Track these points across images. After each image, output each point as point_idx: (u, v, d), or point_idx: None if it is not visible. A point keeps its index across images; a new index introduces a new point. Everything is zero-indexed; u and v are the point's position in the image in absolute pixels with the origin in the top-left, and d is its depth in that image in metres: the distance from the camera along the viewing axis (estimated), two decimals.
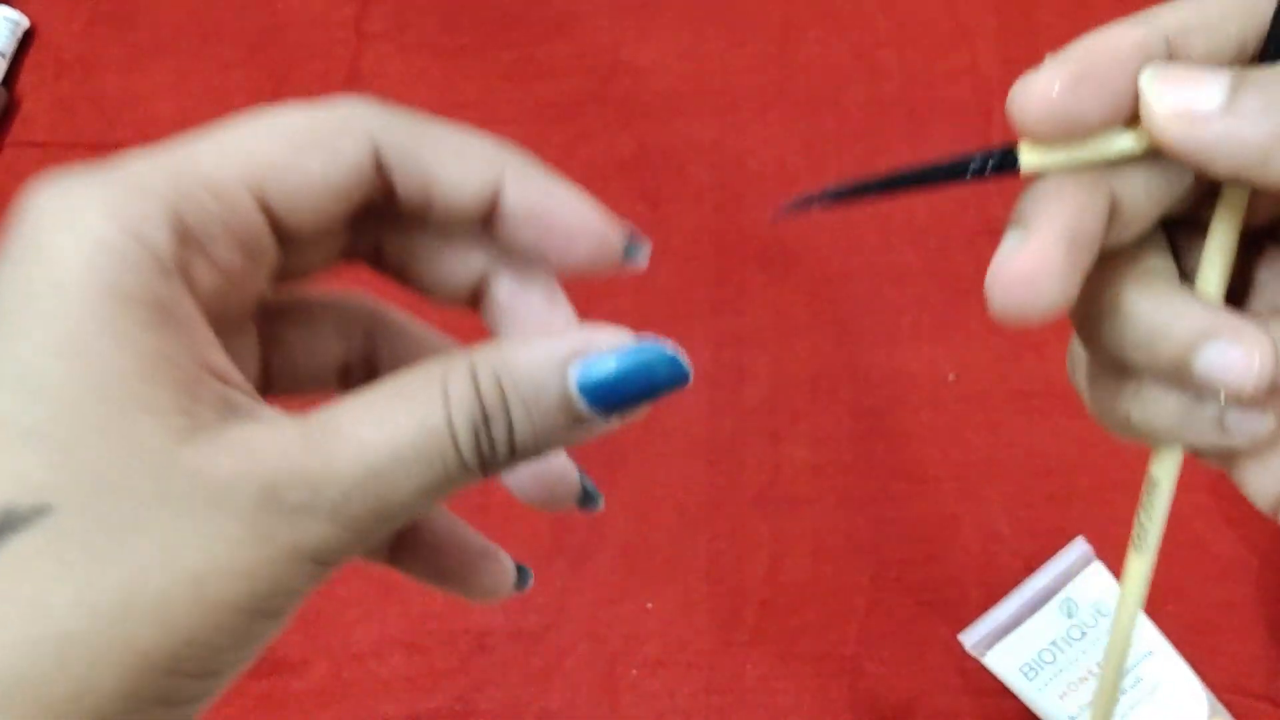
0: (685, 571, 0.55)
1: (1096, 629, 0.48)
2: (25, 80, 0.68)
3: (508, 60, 0.66)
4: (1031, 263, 0.21)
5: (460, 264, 0.25)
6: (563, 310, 0.25)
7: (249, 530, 0.19)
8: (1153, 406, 0.24)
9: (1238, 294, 0.25)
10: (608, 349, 0.21)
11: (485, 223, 0.23)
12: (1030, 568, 0.50)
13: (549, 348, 0.21)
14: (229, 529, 0.19)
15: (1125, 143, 0.22)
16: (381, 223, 0.24)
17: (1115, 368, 0.24)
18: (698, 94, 0.65)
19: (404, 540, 0.26)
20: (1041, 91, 0.21)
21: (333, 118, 0.22)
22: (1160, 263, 0.24)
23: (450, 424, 0.20)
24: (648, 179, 0.63)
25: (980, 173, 0.23)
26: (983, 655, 0.48)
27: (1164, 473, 0.26)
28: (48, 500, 0.18)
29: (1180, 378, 0.23)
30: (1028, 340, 0.57)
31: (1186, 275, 0.25)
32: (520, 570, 0.27)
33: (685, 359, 0.22)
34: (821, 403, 0.57)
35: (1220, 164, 0.21)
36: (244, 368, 0.22)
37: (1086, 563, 0.49)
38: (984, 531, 0.54)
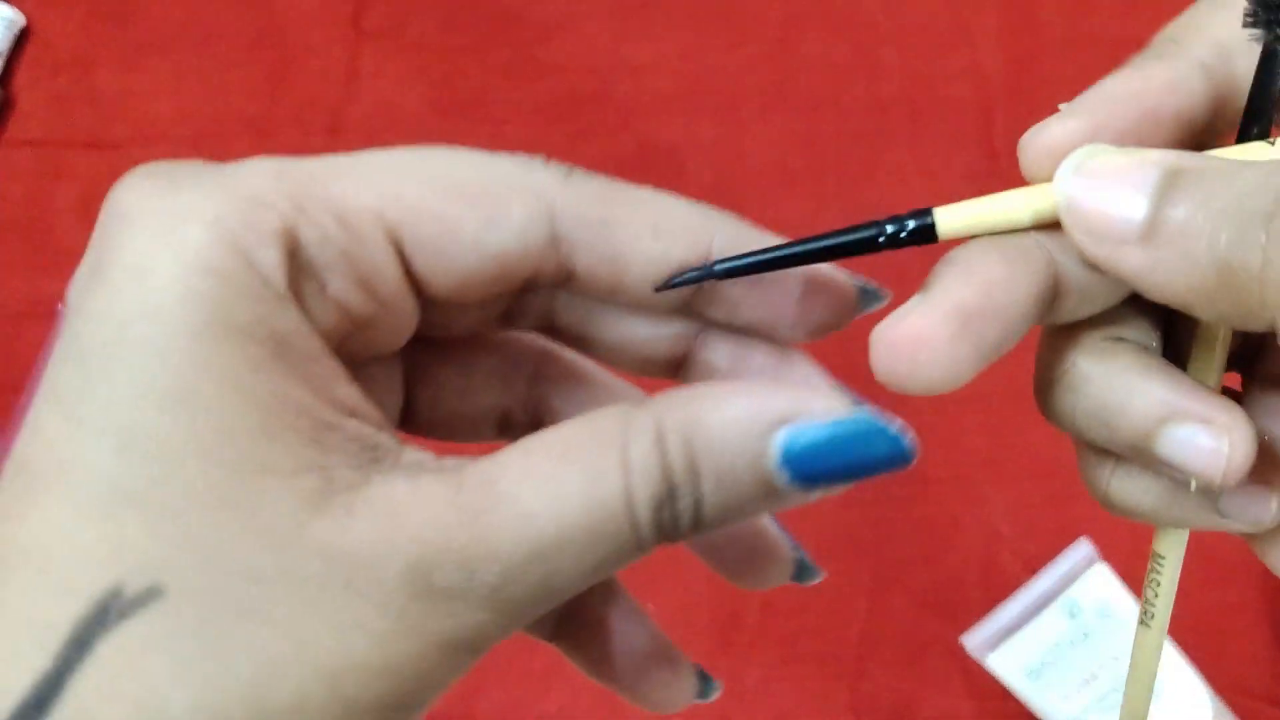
0: (686, 572, 0.54)
1: (1100, 631, 0.48)
2: (21, 78, 0.68)
3: (507, 59, 0.66)
4: (911, 333, 0.18)
5: (659, 333, 0.21)
6: (801, 368, 0.21)
7: (394, 621, 0.16)
8: (1131, 486, 0.21)
9: (1245, 360, 0.22)
10: (821, 416, 0.18)
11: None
12: (1033, 569, 0.49)
13: (751, 408, 0.17)
14: (370, 619, 0.16)
15: (1031, 210, 0.19)
16: (555, 294, 0.21)
17: (1087, 443, 0.21)
18: (698, 93, 0.64)
19: (568, 621, 0.23)
20: (1047, 152, 0.19)
21: (506, 173, 0.19)
22: (1134, 331, 0.21)
23: (629, 499, 0.17)
24: (647, 179, 0.62)
25: (895, 241, 0.19)
26: (985, 657, 0.48)
27: (1168, 548, 0.23)
28: (159, 580, 0.15)
29: (1146, 461, 0.20)
30: (1030, 341, 0.56)
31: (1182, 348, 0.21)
32: (703, 679, 0.24)
33: (910, 438, 0.19)
34: None
35: (1154, 295, 0.18)
36: (382, 405, 0.19)
37: (1090, 564, 0.49)
38: (986, 533, 0.54)
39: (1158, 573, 0.24)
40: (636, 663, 0.23)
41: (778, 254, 0.20)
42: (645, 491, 0.17)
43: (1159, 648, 0.24)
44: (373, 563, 0.16)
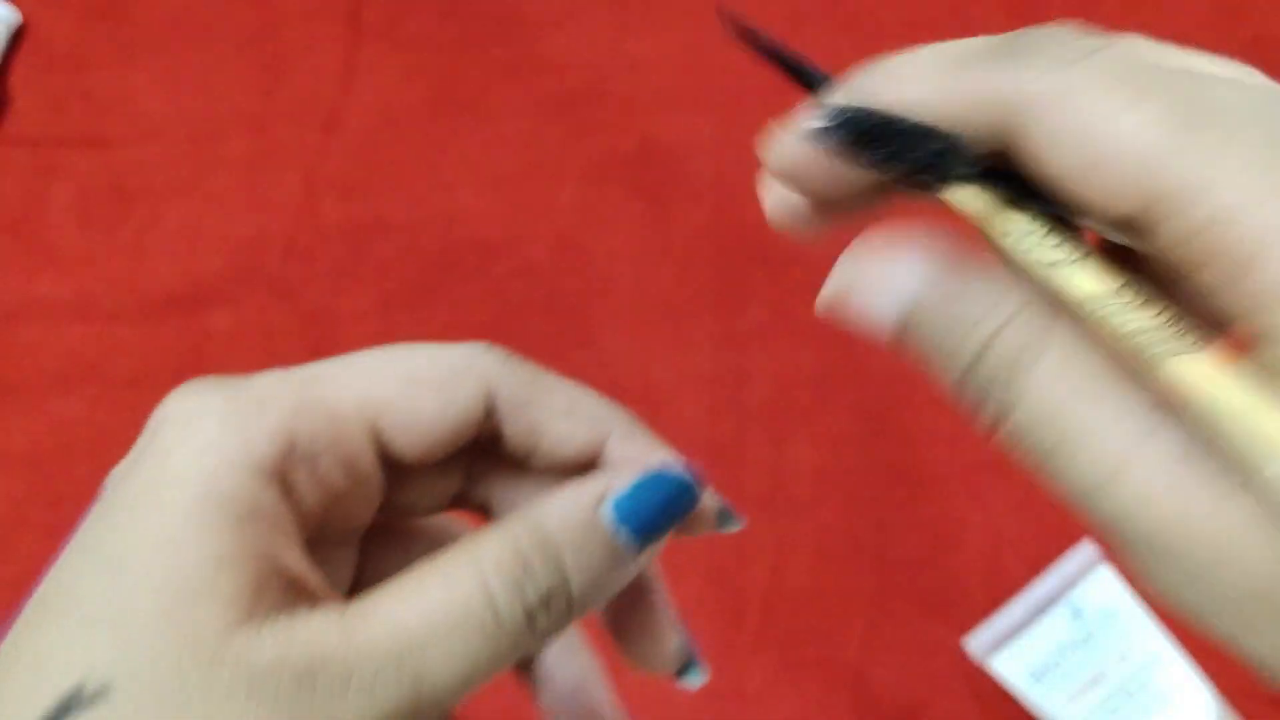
0: (686, 575, 0.54)
1: (1103, 633, 0.48)
2: (16, 76, 0.67)
3: (505, 56, 0.66)
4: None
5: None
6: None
7: (285, 716, 0.19)
8: None
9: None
10: (629, 479, 0.23)
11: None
12: (1036, 571, 0.49)
13: (579, 489, 0.22)
14: (265, 716, 0.19)
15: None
16: (489, 471, 0.25)
17: None
18: (698, 90, 0.64)
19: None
20: None
21: (453, 361, 0.24)
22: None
23: (486, 588, 0.21)
24: (648, 176, 0.62)
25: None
26: (988, 660, 0.48)
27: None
28: (110, 681, 0.19)
29: None
30: None
31: None
32: (691, 660, 0.27)
33: (693, 473, 0.24)
34: (824, 404, 0.56)
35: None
36: (336, 577, 0.24)
37: (1093, 566, 0.49)
38: (989, 534, 0.53)
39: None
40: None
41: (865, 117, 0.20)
42: (500, 577, 0.21)
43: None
44: (271, 669, 0.19)
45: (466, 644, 0.20)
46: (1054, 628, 0.48)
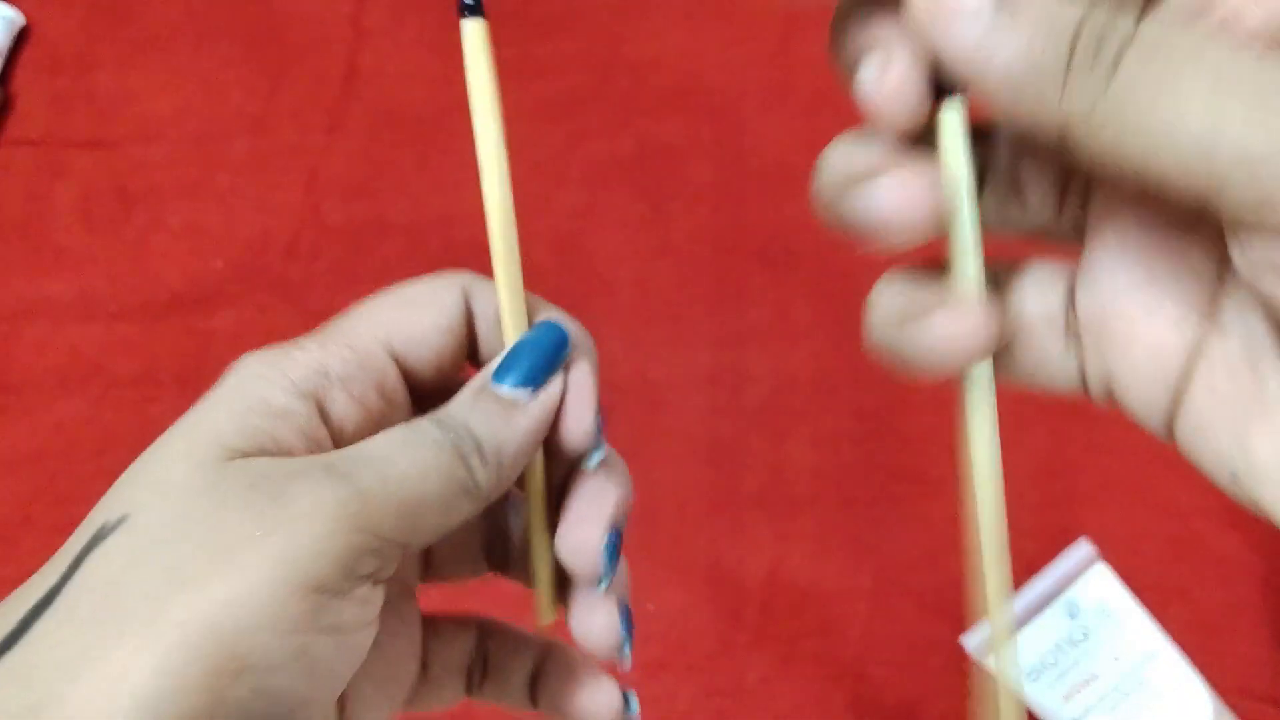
0: (686, 573, 0.54)
1: (1100, 631, 0.48)
2: (20, 77, 0.68)
3: (506, 57, 0.66)
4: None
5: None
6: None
7: (259, 510, 0.22)
8: None
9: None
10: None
11: None
12: (1033, 570, 0.49)
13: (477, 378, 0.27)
14: (246, 512, 0.22)
15: None
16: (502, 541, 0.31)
17: None
18: (698, 91, 0.64)
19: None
20: None
21: (433, 281, 0.29)
22: None
23: (423, 427, 0.25)
24: (648, 177, 0.62)
25: None
26: (986, 658, 0.48)
27: None
28: (128, 512, 0.23)
29: None
30: None
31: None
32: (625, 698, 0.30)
33: (564, 325, 0.27)
34: (823, 403, 0.57)
35: (988, 85, 0.21)
36: (406, 651, 0.29)
37: (1090, 564, 0.49)
38: None
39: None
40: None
41: None
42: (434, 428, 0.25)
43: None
44: (256, 481, 0.23)
45: (411, 458, 0.24)
46: (1050, 626, 0.48)
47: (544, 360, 0.26)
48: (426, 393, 0.28)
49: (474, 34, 0.26)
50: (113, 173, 0.65)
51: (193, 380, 0.58)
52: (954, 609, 0.52)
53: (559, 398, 0.27)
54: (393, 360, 0.27)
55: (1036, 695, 0.47)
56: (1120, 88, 0.19)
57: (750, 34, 0.65)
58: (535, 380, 0.26)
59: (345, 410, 0.26)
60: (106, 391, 0.60)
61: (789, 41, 0.65)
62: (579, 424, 0.27)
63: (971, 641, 0.49)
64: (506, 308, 0.28)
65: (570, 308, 0.29)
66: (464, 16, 0.26)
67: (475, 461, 0.25)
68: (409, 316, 0.28)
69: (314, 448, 0.25)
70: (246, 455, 0.24)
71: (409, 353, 0.27)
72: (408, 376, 0.28)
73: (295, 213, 0.63)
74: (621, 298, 0.59)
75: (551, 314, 0.28)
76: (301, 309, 0.60)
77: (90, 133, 0.66)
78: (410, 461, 0.24)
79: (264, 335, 0.63)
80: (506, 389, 0.26)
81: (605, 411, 0.28)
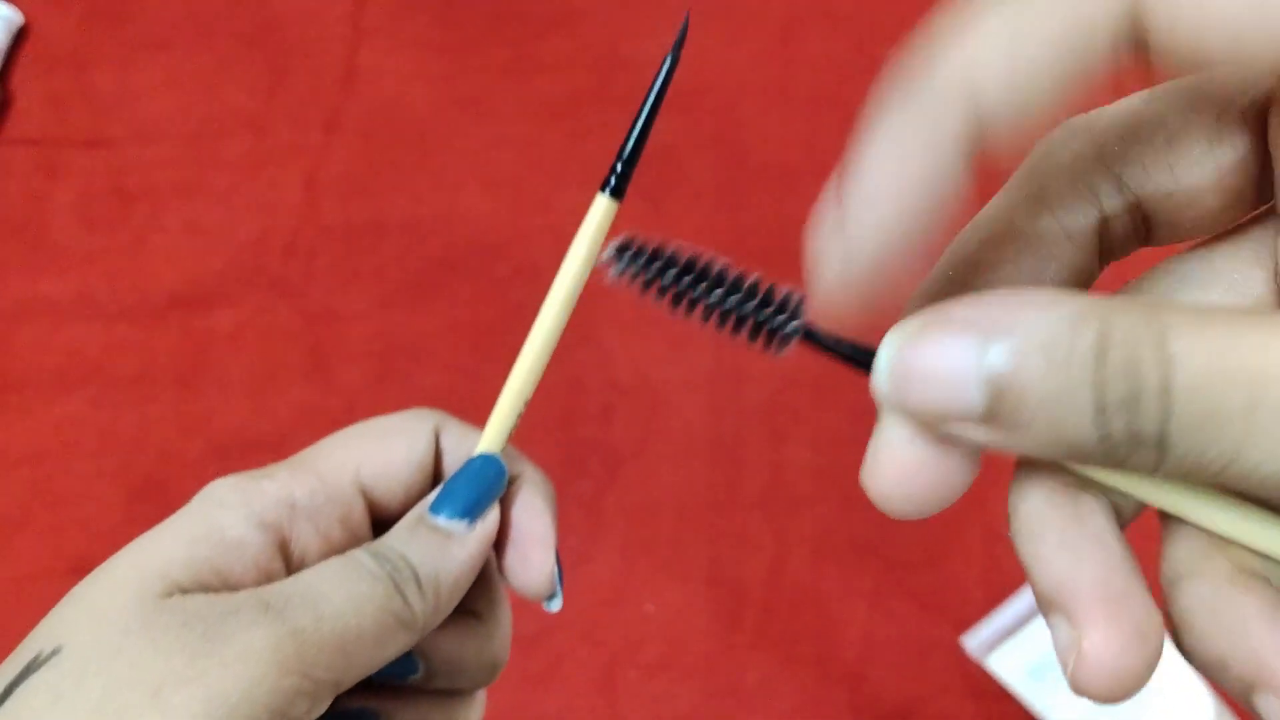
0: (685, 573, 0.54)
1: None
2: (19, 76, 0.68)
3: (506, 56, 0.66)
4: (894, 473, 0.20)
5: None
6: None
7: (192, 651, 0.23)
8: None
9: None
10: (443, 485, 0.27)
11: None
12: None
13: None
14: (180, 653, 0.22)
15: None
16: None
17: None
18: (698, 90, 0.64)
19: None
20: None
21: (405, 415, 0.29)
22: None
23: (359, 559, 0.25)
24: (648, 177, 0.62)
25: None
26: (985, 658, 0.48)
27: None
28: (61, 643, 0.23)
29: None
30: None
31: None
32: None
33: (499, 464, 0.27)
34: (823, 404, 0.57)
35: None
36: None
37: None
38: (987, 534, 0.54)
39: None
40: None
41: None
42: (370, 561, 0.26)
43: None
44: (190, 620, 0.23)
45: (348, 591, 0.24)
46: None
47: (481, 492, 0.27)
48: (389, 527, 0.28)
49: (601, 211, 0.26)
50: (111, 172, 0.65)
51: (191, 379, 0.58)
52: (954, 609, 0.52)
53: (496, 528, 0.27)
54: (360, 493, 0.28)
55: (1038, 696, 0.47)
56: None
57: (751, 33, 0.65)
58: (472, 512, 0.27)
59: (308, 542, 0.27)
60: (104, 391, 0.59)
61: (790, 40, 0.65)
62: (540, 572, 0.28)
63: (971, 642, 0.49)
64: (490, 444, 0.28)
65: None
66: (602, 190, 0.26)
67: (411, 591, 0.25)
68: (381, 448, 0.28)
69: (264, 579, 0.25)
70: (186, 590, 0.24)
71: (377, 485, 0.28)
72: (374, 509, 0.28)
73: (293, 212, 0.63)
74: (621, 298, 0.59)
75: (518, 464, 0.28)
76: (300, 308, 0.60)
77: (89, 132, 0.66)
78: (346, 595, 0.24)
79: (262, 334, 0.63)
80: (443, 519, 0.26)
81: (561, 559, 0.28)
